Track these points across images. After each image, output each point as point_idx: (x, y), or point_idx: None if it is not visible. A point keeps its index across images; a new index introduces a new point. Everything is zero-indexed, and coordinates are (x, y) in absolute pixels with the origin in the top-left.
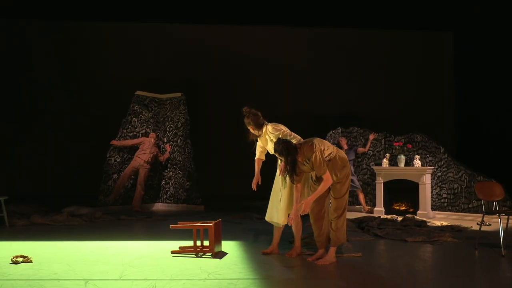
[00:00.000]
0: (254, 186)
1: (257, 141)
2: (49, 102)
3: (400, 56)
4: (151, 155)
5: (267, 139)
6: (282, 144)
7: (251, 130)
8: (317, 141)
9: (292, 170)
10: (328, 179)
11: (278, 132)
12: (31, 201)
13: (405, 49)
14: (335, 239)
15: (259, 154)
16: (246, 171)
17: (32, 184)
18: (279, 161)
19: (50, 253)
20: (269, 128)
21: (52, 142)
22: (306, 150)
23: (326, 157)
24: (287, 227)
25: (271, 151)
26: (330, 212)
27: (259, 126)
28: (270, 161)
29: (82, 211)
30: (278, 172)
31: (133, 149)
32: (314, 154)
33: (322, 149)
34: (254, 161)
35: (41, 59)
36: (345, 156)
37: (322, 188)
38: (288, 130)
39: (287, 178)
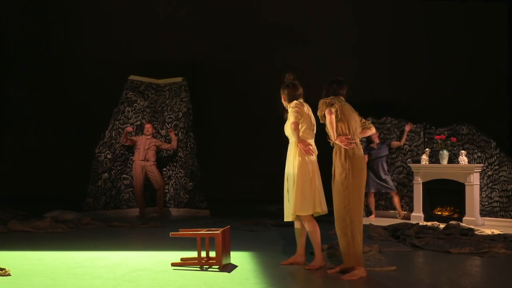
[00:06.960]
0: None
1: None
2: (25, 90)
3: (442, 32)
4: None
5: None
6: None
7: (282, 99)
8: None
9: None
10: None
11: (291, 108)
12: (8, 205)
13: (449, 24)
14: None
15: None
16: (258, 170)
17: (8, 186)
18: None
19: (31, 265)
20: (291, 104)
21: (30, 137)
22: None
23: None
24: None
25: (286, 131)
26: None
27: (291, 100)
28: (282, 159)
29: (67, 216)
30: (287, 167)
31: (128, 145)
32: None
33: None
34: (266, 159)
35: (13, 38)
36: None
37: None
38: (299, 108)
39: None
